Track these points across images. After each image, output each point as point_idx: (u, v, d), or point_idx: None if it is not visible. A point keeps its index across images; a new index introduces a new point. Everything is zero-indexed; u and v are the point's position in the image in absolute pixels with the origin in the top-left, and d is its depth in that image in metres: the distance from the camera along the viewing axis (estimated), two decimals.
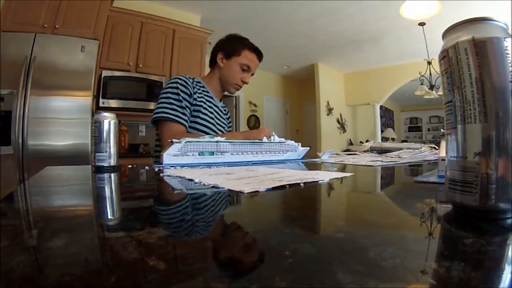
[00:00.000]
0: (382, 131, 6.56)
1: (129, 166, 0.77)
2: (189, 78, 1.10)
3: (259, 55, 1.17)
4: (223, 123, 1.22)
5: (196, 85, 1.11)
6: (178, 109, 1.00)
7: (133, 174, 0.67)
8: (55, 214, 0.29)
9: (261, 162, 0.85)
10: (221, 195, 0.36)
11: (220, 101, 1.26)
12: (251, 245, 0.19)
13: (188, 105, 1.03)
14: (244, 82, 1.16)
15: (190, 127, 1.06)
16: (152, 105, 2.46)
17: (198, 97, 1.09)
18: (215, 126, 1.13)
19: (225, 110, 1.30)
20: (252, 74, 1.19)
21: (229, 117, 1.34)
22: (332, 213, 0.30)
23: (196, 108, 1.07)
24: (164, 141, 1.02)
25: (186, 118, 1.02)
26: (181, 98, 1.01)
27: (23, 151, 1.83)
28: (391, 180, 0.58)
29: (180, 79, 1.06)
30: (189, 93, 1.04)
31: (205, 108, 1.10)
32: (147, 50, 2.68)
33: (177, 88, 1.03)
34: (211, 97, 1.16)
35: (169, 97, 1.01)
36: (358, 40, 4.26)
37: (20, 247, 0.18)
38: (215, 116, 1.16)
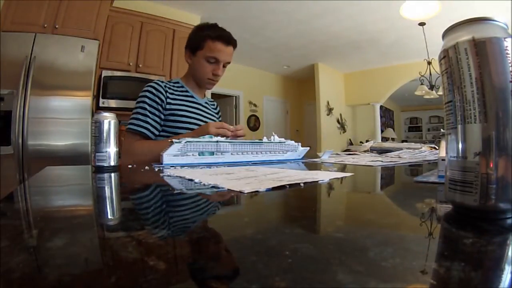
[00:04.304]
0: (382, 131, 6.56)
1: (129, 166, 0.77)
2: (162, 82, 1.08)
3: (225, 41, 1.05)
4: (209, 119, 1.17)
5: (172, 87, 1.09)
6: (140, 117, 1.00)
7: (133, 174, 0.67)
8: (55, 214, 0.29)
9: (261, 162, 0.85)
10: (221, 195, 0.36)
11: (204, 96, 1.23)
12: (249, 245, 0.19)
13: (155, 111, 1.02)
14: (216, 75, 1.08)
15: (171, 131, 1.04)
16: None
17: (174, 99, 1.06)
18: (199, 125, 1.08)
19: (213, 105, 1.27)
20: (228, 63, 1.09)
21: (218, 111, 1.31)
22: (332, 213, 0.30)
23: (173, 111, 1.05)
24: (121, 151, 1.00)
25: (146, 125, 1.00)
26: (146, 106, 1.01)
27: (23, 151, 1.83)
28: (391, 180, 0.58)
29: (151, 86, 1.05)
30: (158, 99, 1.02)
31: (184, 110, 1.07)
32: (147, 50, 2.68)
33: (145, 96, 1.02)
34: (191, 96, 1.13)
35: (136, 108, 1.02)
36: (358, 40, 4.26)
37: (20, 247, 0.18)
38: (200, 114, 1.13)
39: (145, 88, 1.05)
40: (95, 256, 0.17)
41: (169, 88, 1.07)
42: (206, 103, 1.21)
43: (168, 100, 1.05)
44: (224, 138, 0.87)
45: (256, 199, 0.33)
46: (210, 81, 1.10)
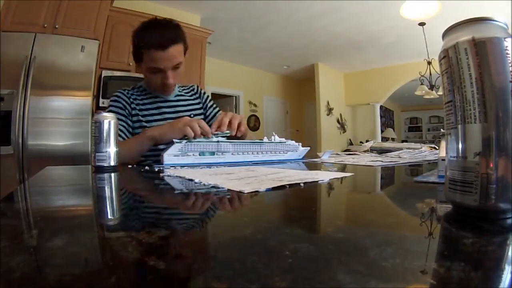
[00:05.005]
0: (382, 131, 6.56)
1: (129, 166, 0.77)
2: (125, 90, 1.05)
3: (160, 46, 0.89)
4: (186, 112, 1.09)
5: (136, 93, 1.05)
6: None
7: (133, 174, 0.67)
8: (55, 214, 0.29)
9: (261, 162, 0.85)
10: (221, 195, 0.36)
11: (174, 87, 1.08)
12: (249, 245, 0.19)
13: (121, 117, 0.97)
14: (167, 83, 0.96)
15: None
16: None
17: (140, 109, 1.03)
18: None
19: (192, 92, 1.17)
20: (175, 66, 0.95)
21: (201, 96, 1.19)
22: (332, 213, 0.30)
23: (141, 123, 1.01)
24: None
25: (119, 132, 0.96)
26: (114, 111, 0.97)
27: (23, 151, 1.83)
28: (391, 180, 0.58)
29: (114, 96, 1.04)
30: (121, 105, 1.00)
31: (151, 114, 1.03)
32: None
33: (110, 105, 1.01)
34: (155, 96, 1.06)
35: None
36: (358, 40, 4.26)
37: (20, 247, 0.18)
38: (171, 112, 1.06)
39: (112, 98, 1.04)
40: (95, 256, 0.17)
41: (132, 95, 1.04)
42: (177, 95, 1.12)
43: (134, 111, 1.01)
44: (225, 138, 0.87)
45: (256, 199, 0.33)
46: (162, 90, 1.02)
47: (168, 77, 0.95)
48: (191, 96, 1.18)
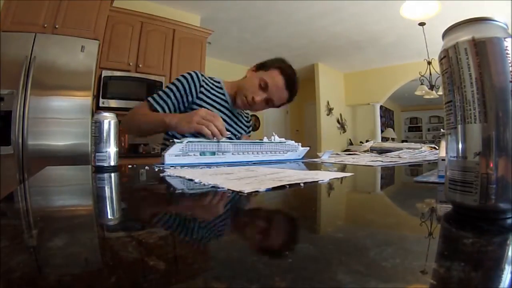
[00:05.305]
0: (382, 131, 6.56)
1: (129, 166, 0.77)
2: (202, 75, 1.08)
3: (287, 82, 1.05)
4: (235, 128, 1.15)
5: (210, 83, 1.09)
6: (163, 96, 1.01)
7: (133, 174, 0.67)
8: (55, 214, 0.29)
9: (261, 162, 0.85)
10: (220, 195, 0.36)
11: (244, 109, 1.18)
12: (249, 245, 0.19)
13: (178, 96, 1.01)
14: (253, 100, 1.04)
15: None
16: None
17: (208, 96, 1.06)
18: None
19: (246, 118, 1.24)
20: (272, 103, 1.07)
21: (250, 125, 1.27)
22: (332, 213, 0.30)
23: (196, 105, 1.03)
24: (128, 114, 1.04)
25: (162, 103, 1.00)
26: (173, 88, 1.02)
27: (23, 151, 1.83)
28: (391, 180, 0.58)
29: (190, 74, 1.05)
30: (187, 89, 1.02)
31: (205, 107, 1.04)
32: (147, 50, 2.68)
33: (178, 80, 1.04)
34: (226, 100, 1.11)
35: (168, 86, 1.04)
36: (358, 40, 4.26)
37: (20, 247, 0.18)
38: (225, 121, 1.07)
39: (185, 74, 1.06)
40: (95, 256, 0.17)
41: (206, 84, 1.08)
42: (238, 113, 1.18)
43: (200, 95, 1.04)
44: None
45: (256, 199, 0.33)
46: (245, 100, 1.06)
47: (260, 97, 1.04)
48: (245, 123, 1.23)
